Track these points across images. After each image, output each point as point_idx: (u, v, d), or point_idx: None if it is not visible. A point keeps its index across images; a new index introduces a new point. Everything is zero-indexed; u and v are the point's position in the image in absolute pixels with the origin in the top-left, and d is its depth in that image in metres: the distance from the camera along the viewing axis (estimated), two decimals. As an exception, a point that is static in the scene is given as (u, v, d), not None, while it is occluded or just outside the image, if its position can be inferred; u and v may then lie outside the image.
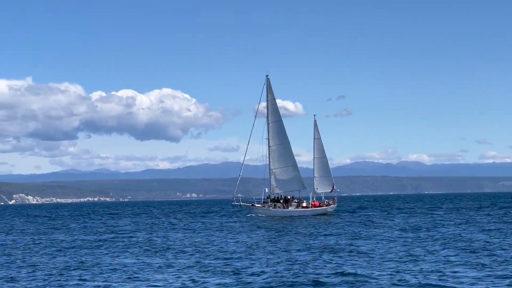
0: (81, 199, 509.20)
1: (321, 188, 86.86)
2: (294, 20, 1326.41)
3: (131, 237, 54.84)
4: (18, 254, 41.92)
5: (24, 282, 29.81)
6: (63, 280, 29.84)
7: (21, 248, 46.84)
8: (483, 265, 31.53)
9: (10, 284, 29.39)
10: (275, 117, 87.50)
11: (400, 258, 34.87)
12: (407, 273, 29.31)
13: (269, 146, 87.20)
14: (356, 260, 34.17)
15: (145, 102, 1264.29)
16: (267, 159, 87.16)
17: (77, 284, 28.76)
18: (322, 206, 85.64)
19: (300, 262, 33.86)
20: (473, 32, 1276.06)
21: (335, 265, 32.51)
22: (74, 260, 37.43)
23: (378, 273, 29.56)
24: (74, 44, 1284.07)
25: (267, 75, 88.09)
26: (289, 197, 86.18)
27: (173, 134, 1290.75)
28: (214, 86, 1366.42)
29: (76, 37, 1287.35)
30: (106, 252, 42.04)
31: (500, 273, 28.99)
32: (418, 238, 46.84)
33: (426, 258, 34.64)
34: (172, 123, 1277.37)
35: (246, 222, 73.54)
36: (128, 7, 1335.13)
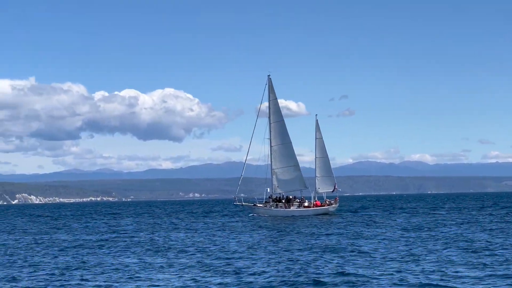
0: (84, 199, 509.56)
1: (323, 188, 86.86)
2: (296, 20, 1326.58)
3: (133, 237, 54.88)
4: (20, 254, 41.97)
5: (26, 281, 29.84)
6: (65, 280, 29.87)
7: (23, 247, 46.89)
8: (485, 264, 31.51)
9: (11, 283, 29.43)
10: (277, 117, 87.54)
11: (401, 258, 34.86)
12: (408, 273, 29.30)
13: (271, 146, 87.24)
14: (357, 260, 34.16)
15: (148, 102, 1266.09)
16: (269, 159, 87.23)
17: (79, 284, 28.79)
18: (324, 206, 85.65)
19: (302, 262, 33.86)
20: (476, 31, 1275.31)
21: (337, 265, 32.50)
22: (76, 260, 37.47)
23: (380, 273, 29.56)
24: (77, 44, 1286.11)
25: (269, 75, 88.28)
26: (291, 197, 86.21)
27: (176, 134, 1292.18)
28: (217, 86, 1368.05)
29: (78, 37, 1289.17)
30: (108, 252, 42.08)
31: (501, 272, 28.97)
32: (419, 238, 46.81)
33: (427, 258, 34.62)
34: (175, 123, 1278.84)
35: (248, 222, 73.56)
36: (131, 7, 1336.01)
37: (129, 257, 38.54)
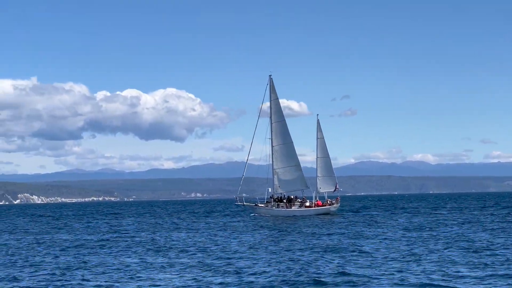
0: (86, 199, 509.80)
1: (324, 188, 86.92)
2: (298, 20, 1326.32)
3: (134, 236, 54.91)
4: (22, 254, 42.00)
5: (27, 281, 29.86)
6: (66, 280, 29.89)
7: (24, 247, 46.93)
8: (486, 264, 31.51)
9: (13, 283, 29.46)
10: (278, 117, 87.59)
11: (403, 257, 34.85)
12: (409, 273, 29.30)
13: (272, 146, 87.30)
14: (358, 260, 34.16)
15: (150, 102, 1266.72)
16: (271, 159, 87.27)
17: (80, 283, 28.81)
18: (325, 206, 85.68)
19: (303, 261, 33.86)
20: (476, 31, 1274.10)
21: (338, 265, 32.51)
22: (77, 260, 37.49)
23: (381, 273, 29.56)
24: (79, 44, 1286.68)
25: (270, 75, 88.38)
26: (292, 196, 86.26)
27: (178, 133, 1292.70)
28: (219, 86, 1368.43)
29: (80, 37, 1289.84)
30: (109, 251, 42.10)
31: (502, 272, 28.97)
32: (421, 237, 46.80)
33: (428, 257, 34.61)
34: (177, 122, 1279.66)
35: (249, 221, 73.58)
36: (132, 7, 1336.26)
37: (130, 257, 38.56)
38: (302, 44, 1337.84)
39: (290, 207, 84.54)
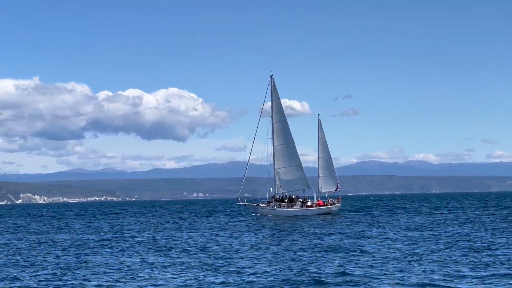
0: (88, 199, 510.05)
1: (326, 187, 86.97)
2: (299, 20, 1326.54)
3: (136, 236, 54.94)
4: (23, 254, 42.05)
5: (28, 281, 29.89)
6: (67, 280, 29.91)
7: (25, 247, 46.98)
8: (487, 264, 31.50)
9: (14, 283, 29.49)
10: (279, 117, 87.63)
11: (404, 257, 34.83)
12: (411, 273, 29.29)
13: (273, 146, 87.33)
14: (360, 260, 34.15)
15: (152, 102, 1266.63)
16: (272, 158, 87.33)
17: (81, 283, 28.82)
18: (327, 206, 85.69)
19: (304, 261, 33.88)
20: (476, 31, 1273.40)
21: (339, 264, 32.51)
22: (78, 260, 37.53)
23: (382, 272, 29.55)
24: (81, 44, 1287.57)
25: (271, 75, 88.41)
26: (293, 196, 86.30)
27: (180, 133, 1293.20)
28: (221, 85, 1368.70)
29: (81, 37, 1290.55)
30: (110, 251, 42.13)
31: (503, 272, 28.96)
32: (422, 237, 46.79)
33: (430, 257, 34.60)
34: (179, 122, 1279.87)
35: (251, 221, 73.61)
36: (133, 7, 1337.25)
37: (131, 256, 38.59)
38: (303, 43, 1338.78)
39: (292, 207, 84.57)
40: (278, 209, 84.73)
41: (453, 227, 56.59)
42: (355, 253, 37.22)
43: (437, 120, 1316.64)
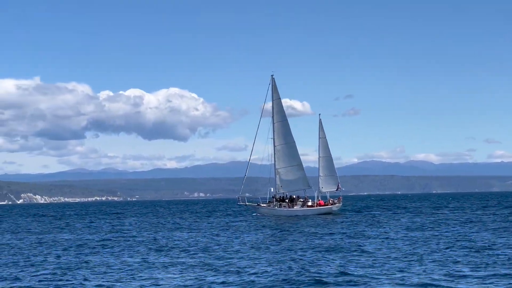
0: (89, 199, 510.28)
1: (326, 187, 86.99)
2: (299, 20, 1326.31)
3: (136, 236, 54.96)
4: (24, 253, 42.07)
5: (29, 281, 29.90)
6: (68, 280, 29.92)
7: (26, 247, 47.00)
8: (488, 264, 31.49)
9: (15, 283, 29.51)
10: (280, 116, 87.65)
11: (404, 257, 34.83)
12: (411, 273, 29.29)
13: (274, 146, 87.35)
14: (360, 260, 34.15)
15: (153, 102, 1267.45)
16: (273, 158, 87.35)
17: (82, 283, 28.83)
18: (327, 205, 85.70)
19: (304, 261, 33.88)
20: (476, 31, 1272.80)
21: (339, 264, 32.51)
22: (79, 259, 37.54)
23: (382, 272, 29.55)
24: (82, 44, 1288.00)
25: (272, 75, 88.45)
26: (294, 196, 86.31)
27: (181, 133, 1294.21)
28: (222, 85, 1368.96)
29: (82, 37, 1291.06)
30: (111, 251, 42.15)
31: (504, 272, 28.94)
32: (422, 237, 46.78)
33: (430, 257, 34.59)
34: (180, 122, 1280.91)
35: (252, 221, 73.63)
36: (133, 7, 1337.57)
37: (132, 256, 38.60)
38: (304, 43, 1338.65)
39: (292, 207, 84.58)
40: (279, 209, 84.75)
41: (454, 227, 56.58)
42: (355, 253, 37.22)
43: (438, 120, 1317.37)
